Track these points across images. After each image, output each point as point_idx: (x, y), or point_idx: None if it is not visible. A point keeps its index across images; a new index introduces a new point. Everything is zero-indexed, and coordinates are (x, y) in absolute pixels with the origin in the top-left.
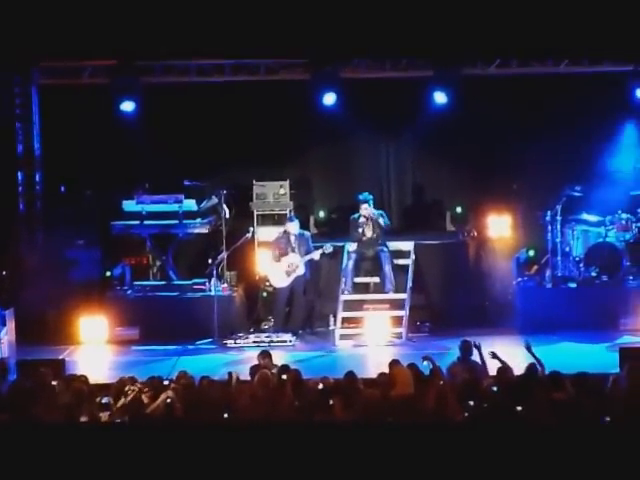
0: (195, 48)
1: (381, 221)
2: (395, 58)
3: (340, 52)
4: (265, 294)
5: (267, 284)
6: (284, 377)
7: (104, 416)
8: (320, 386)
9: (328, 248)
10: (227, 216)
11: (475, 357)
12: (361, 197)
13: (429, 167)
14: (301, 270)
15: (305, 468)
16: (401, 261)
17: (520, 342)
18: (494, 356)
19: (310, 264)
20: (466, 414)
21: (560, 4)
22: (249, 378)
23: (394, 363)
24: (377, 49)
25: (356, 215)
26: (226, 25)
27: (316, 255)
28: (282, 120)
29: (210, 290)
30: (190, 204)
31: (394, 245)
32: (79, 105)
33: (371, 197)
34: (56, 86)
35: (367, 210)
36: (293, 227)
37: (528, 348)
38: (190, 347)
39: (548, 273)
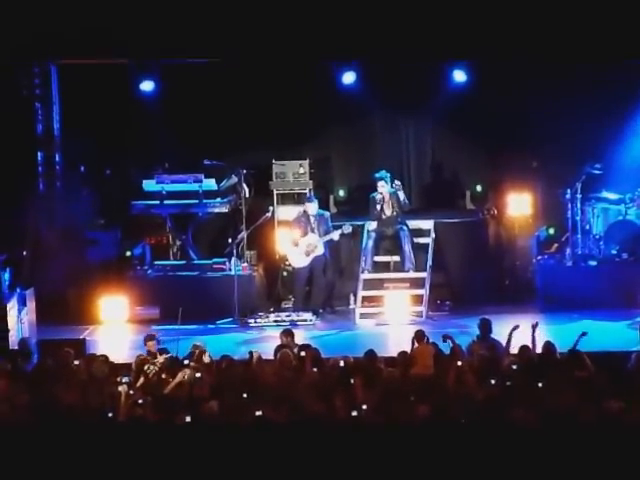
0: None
1: (400, 195)
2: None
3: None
4: (285, 273)
5: (287, 263)
6: (303, 354)
7: (124, 396)
8: (341, 363)
9: (347, 228)
10: (247, 195)
11: (498, 336)
12: (377, 175)
13: (449, 145)
14: (320, 250)
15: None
16: (421, 240)
17: (536, 320)
18: (535, 326)
19: (330, 243)
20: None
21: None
22: (270, 357)
23: (419, 336)
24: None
25: (374, 194)
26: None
27: (335, 235)
28: (301, 99)
29: (230, 269)
30: (210, 183)
31: (414, 224)
32: (98, 85)
33: (388, 175)
34: (75, 66)
35: (383, 188)
36: (312, 207)
37: (533, 327)
38: (210, 326)
39: (568, 251)
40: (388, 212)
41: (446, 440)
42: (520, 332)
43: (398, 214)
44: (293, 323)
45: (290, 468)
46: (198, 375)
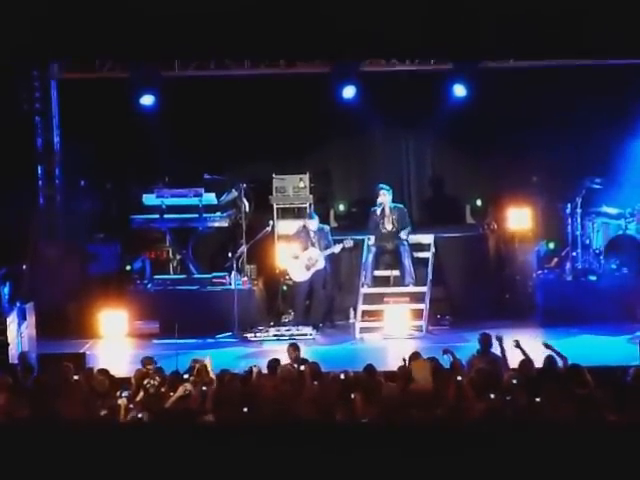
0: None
1: (403, 235)
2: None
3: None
4: (285, 287)
5: (287, 277)
6: (302, 368)
7: (124, 409)
8: (342, 377)
9: (349, 242)
10: (247, 210)
11: (496, 350)
12: (380, 185)
13: (449, 160)
14: (321, 264)
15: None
16: (421, 254)
17: (539, 338)
18: (517, 345)
19: (330, 257)
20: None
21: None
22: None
23: (414, 356)
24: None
25: (374, 207)
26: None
27: (336, 249)
28: (302, 113)
29: (230, 284)
30: (210, 198)
31: (414, 238)
32: (99, 99)
33: (390, 188)
34: (75, 80)
35: (384, 197)
36: (313, 224)
37: (547, 346)
38: (210, 340)
39: (568, 266)
40: (388, 227)
41: (445, 451)
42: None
43: (398, 230)
44: (293, 337)
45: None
46: (202, 389)
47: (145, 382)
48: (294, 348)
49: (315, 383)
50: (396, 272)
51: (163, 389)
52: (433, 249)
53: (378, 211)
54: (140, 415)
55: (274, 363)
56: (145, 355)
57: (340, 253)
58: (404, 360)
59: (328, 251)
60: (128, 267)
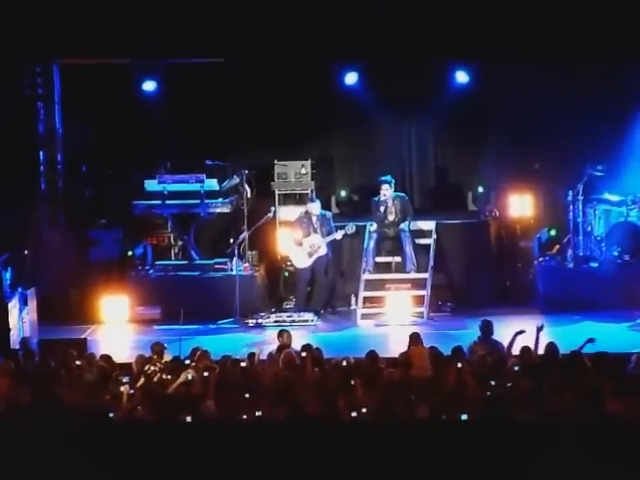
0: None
1: (403, 226)
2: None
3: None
4: (287, 274)
5: (289, 264)
6: (304, 355)
7: (125, 395)
8: (344, 363)
9: (351, 228)
10: (248, 196)
11: (498, 337)
12: (382, 179)
13: (451, 146)
14: (323, 251)
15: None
16: (423, 241)
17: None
18: (540, 329)
19: (332, 244)
20: (488, 393)
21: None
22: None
23: (413, 339)
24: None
25: (376, 198)
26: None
27: (338, 235)
28: (304, 99)
29: (232, 270)
30: (212, 184)
31: (416, 225)
32: (100, 84)
33: (392, 180)
34: (77, 65)
35: (387, 191)
36: (315, 208)
37: (538, 329)
38: (212, 326)
39: (569, 253)
40: (391, 217)
41: (446, 440)
42: (523, 336)
43: (401, 219)
44: (294, 324)
45: (288, 467)
46: (203, 374)
47: (146, 368)
48: (287, 334)
49: (316, 370)
50: (397, 259)
51: (165, 375)
52: (435, 236)
53: (380, 201)
54: (141, 401)
55: (280, 350)
56: (147, 340)
57: (342, 239)
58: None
59: (330, 237)
60: (130, 253)
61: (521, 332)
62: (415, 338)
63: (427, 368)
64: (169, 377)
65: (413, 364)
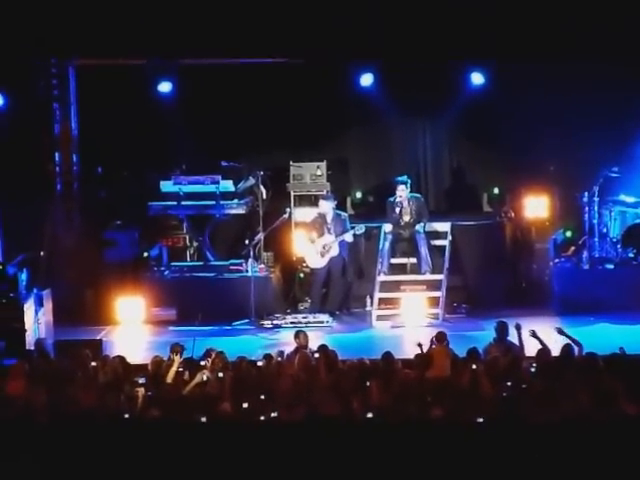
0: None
1: (418, 228)
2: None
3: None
4: (302, 275)
5: (304, 265)
6: (316, 355)
7: (141, 397)
8: (359, 364)
9: (360, 229)
10: (264, 197)
11: (513, 338)
12: (398, 179)
13: (466, 148)
14: (335, 251)
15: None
16: (438, 242)
17: (555, 325)
18: (533, 335)
19: (348, 245)
20: (504, 394)
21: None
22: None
23: (440, 337)
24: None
25: (392, 199)
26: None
27: (348, 236)
28: (319, 101)
29: (247, 271)
30: (227, 185)
31: (431, 226)
32: (116, 86)
33: (408, 180)
34: (93, 67)
35: (403, 192)
36: (324, 205)
37: (561, 332)
38: (227, 328)
39: (585, 254)
40: (406, 218)
41: (460, 441)
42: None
43: (416, 220)
44: (309, 325)
45: (304, 468)
46: (218, 375)
47: (162, 369)
48: (304, 335)
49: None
50: (413, 260)
51: (180, 376)
52: (450, 237)
53: (396, 202)
54: (156, 403)
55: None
56: (163, 342)
57: (357, 240)
58: (420, 345)
59: (339, 238)
60: (145, 254)
61: (518, 327)
62: (441, 337)
63: (447, 367)
64: (187, 378)
65: (433, 362)
